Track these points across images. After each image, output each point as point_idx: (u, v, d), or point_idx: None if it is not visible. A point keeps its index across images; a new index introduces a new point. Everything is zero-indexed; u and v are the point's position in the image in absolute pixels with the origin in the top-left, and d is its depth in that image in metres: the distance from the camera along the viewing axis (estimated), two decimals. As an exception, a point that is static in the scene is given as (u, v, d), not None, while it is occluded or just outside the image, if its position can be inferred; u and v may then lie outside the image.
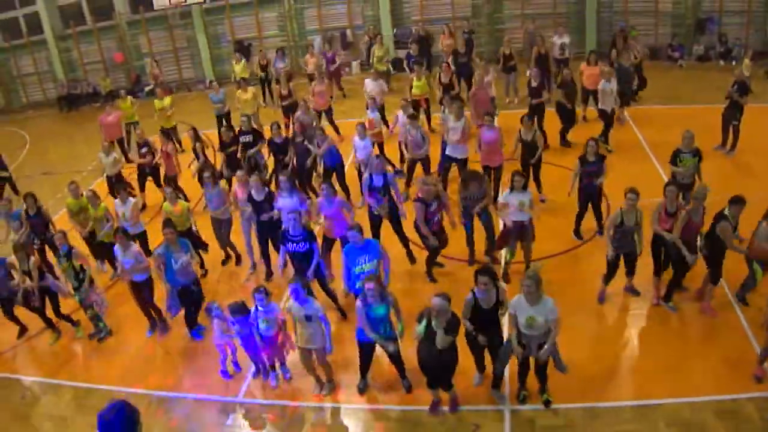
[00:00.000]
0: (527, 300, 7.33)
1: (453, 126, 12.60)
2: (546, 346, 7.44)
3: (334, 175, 13.11)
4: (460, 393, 8.23)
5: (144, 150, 14.13)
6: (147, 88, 22.53)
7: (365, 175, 11.02)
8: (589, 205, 11.22)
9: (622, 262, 9.57)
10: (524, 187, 10.00)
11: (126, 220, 11.51)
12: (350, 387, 8.83)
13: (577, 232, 11.47)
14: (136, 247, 10.23)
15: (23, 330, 10.94)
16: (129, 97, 18.40)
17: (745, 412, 7.70)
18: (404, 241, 11.03)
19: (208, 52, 24.97)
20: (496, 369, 8.05)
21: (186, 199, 12.59)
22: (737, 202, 8.85)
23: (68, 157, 19.10)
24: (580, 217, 11.39)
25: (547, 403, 8.07)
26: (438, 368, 7.73)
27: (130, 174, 15.10)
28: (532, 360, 7.84)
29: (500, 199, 10.24)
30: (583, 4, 22.33)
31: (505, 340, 7.93)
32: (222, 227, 11.77)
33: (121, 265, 10.07)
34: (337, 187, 12.14)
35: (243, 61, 20.50)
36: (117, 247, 9.99)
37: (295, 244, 9.54)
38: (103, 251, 12.09)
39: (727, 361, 8.43)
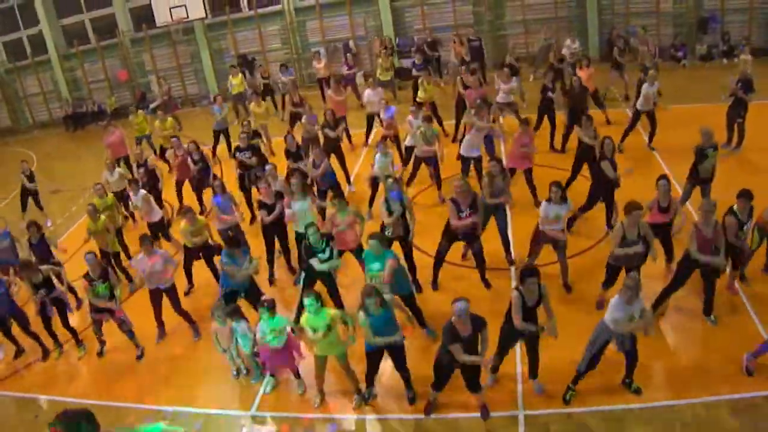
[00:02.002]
0: (627, 303, 7.53)
1: (480, 125, 12.83)
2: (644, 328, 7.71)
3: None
4: (475, 398, 8.21)
5: (141, 170, 14.19)
6: (152, 106, 22.64)
7: (381, 199, 10.74)
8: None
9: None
10: (563, 199, 9.80)
11: (139, 210, 12.47)
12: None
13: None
14: (162, 251, 10.51)
15: (19, 351, 10.97)
16: (140, 111, 18.63)
17: (763, 410, 7.65)
18: (412, 267, 10.75)
19: (211, 67, 25.11)
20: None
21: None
22: (743, 195, 8.95)
23: (76, 175, 19.17)
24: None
25: (637, 391, 8.12)
26: (463, 371, 7.80)
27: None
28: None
29: (540, 210, 10.04)
30: (584, 7, 22.34)
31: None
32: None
33: (147, 270, 10.18)
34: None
35: (240, 75, 20.64)
36: (141, 257, 10.17)
37: (320, 256, 9.67)
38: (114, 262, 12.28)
39: (741, 360, 8.37)
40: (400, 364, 8.38)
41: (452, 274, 11.06)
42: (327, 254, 9.67)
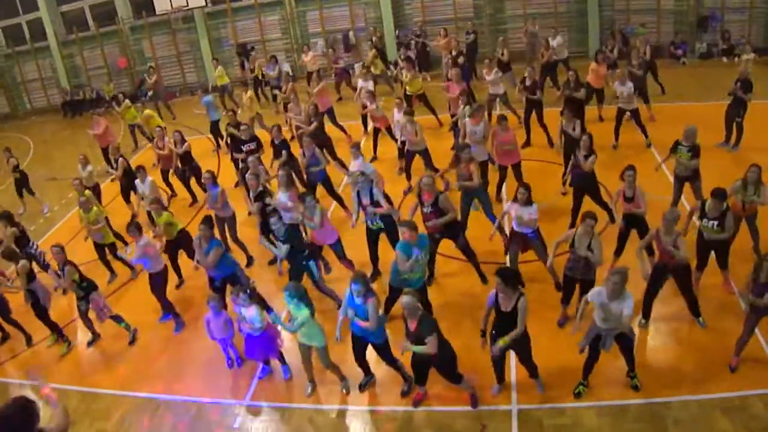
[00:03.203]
0: (609, 294, 7.37)
1: (472, 129, 12.74)
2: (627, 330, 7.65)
3: (323, 189, 13.14)
4: (466, 392, 8.25)
5: (120, 161, 14.18)
6: (150, 93, 22.65)
7: (353, 194, 10.80)
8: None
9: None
10: (528, 202, 9.67)
11: (146, 197, 12.61)
12: (354, 388, 8.84)
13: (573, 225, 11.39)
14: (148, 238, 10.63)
15: (4, 338, 11.01)
16: (126, 100, 18.74)
17: (754, 409, 7.67)
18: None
19: (211, 56, 25.04)
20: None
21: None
22: (716, 195, 8.97)
23: (73, 163, 19.04)
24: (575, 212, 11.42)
25: (635, 388, 8.12)
26: (434, 365, 7.80)
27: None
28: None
29: (505, 207, 10.04)
30: (584, 3, 22.31)
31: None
32: (224, 224, 12.05)
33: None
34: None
35: (219, 66, 21.08)
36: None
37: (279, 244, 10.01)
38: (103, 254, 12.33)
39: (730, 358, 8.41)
40: (385, 358, 8.41)
41: (446, 269, 11.03)
42: (283, 243, 9.92)
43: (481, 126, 12.68)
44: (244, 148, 13.74)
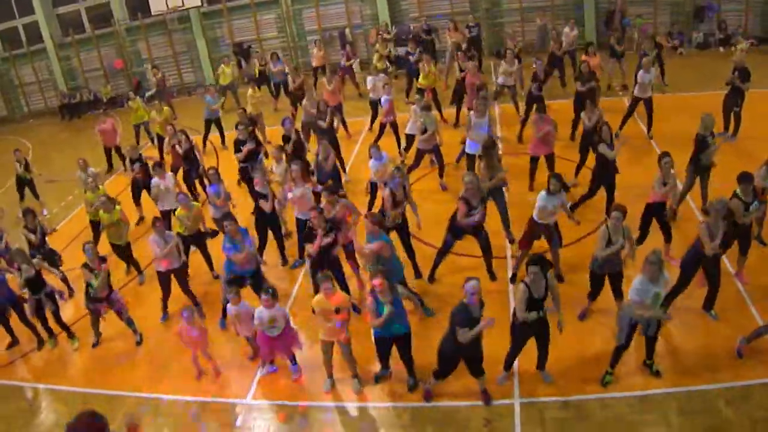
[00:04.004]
0: (650, 280, 7.53)
1: (476, 122, 12.69)
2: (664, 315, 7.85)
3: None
4: (472, 387, 8.26)
5: (136, 166, 13.98)
6: (148, 94, 22.56)
7: (385, 189, 10.59)
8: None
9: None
10: (559, 190, 9.69)
11: (169, 192, 12.43)
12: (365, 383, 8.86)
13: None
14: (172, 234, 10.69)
15: (14, 341, 10.95)
16: (138, 98, 18.61)
17: (757, 398, 7.69)
18: (411, 253, 10.79)
19: (207, 56, 25.00)
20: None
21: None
22: (744, 179, 9.14)
23: (72, 165, 19.02)
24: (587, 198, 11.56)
25: (657, 373, 8.19)
26: (467, 358, 7.87)
27: (124, 190, 15.14)
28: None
29: (537, 201, 9.88)
30: (581, -6, 22.28)
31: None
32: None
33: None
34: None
35: (231, 64, 20.94)
36: (155, 237, 10.28)
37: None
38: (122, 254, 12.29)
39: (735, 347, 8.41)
40: (406, 352, 8.46)
41: (451, 267, 10.92)
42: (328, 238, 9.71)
43: (486, 119, 12.68)
44: (243, 148, 13.69)
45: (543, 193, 9.76)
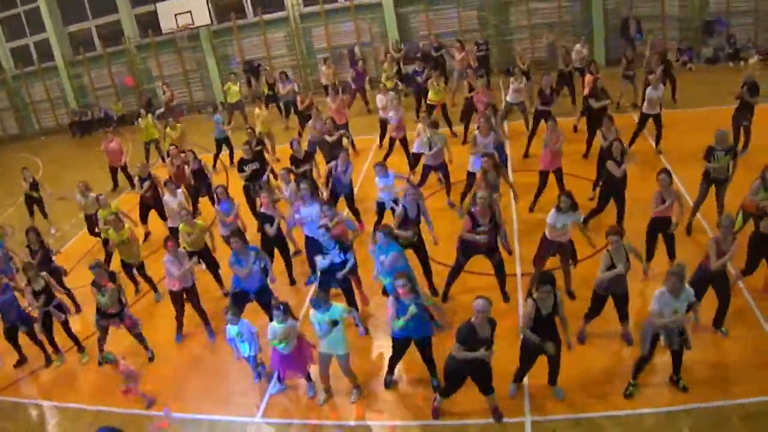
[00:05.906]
0: (672, 294, 7.51)
1: (481, 140, 12.69)
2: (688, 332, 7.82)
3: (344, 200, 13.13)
4: (482, 404, 8.17)
5: (146, 183, 14.03)
6: (158, 112, 22.70)
7: (399, 209, 10.53)
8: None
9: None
10: (572, 208, 9.58)
11: (173, 211, 12.45)
12: (368, 401, 8.81)
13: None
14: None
15: (22, 359, 10.93)
16: (149, 114, 18.71)
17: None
18: (428, 272, 10.75)
19: (217, 74, 25.14)
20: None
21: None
22: None
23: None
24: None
25: (685, 389, 8.11)
26: (475, 376, 7.83)
27: (131, 209, 15.11)
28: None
29: (547, 219, 9.76)
30: (589, 12, 22.31)
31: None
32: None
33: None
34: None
35: (237, 83, 20.81)
36: (169, 258, 10.27)
37: (331, 253, 9.76)
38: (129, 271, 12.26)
39: (750, 364, 8.35)
40: (427, 354, 8.53)
41: (463, 287, 10.76)
42: (339, 255, 9.74)
43: (490, 137, 12.66)
44: (246, 168, 13.71)
45: (553, 211, 9.68)
